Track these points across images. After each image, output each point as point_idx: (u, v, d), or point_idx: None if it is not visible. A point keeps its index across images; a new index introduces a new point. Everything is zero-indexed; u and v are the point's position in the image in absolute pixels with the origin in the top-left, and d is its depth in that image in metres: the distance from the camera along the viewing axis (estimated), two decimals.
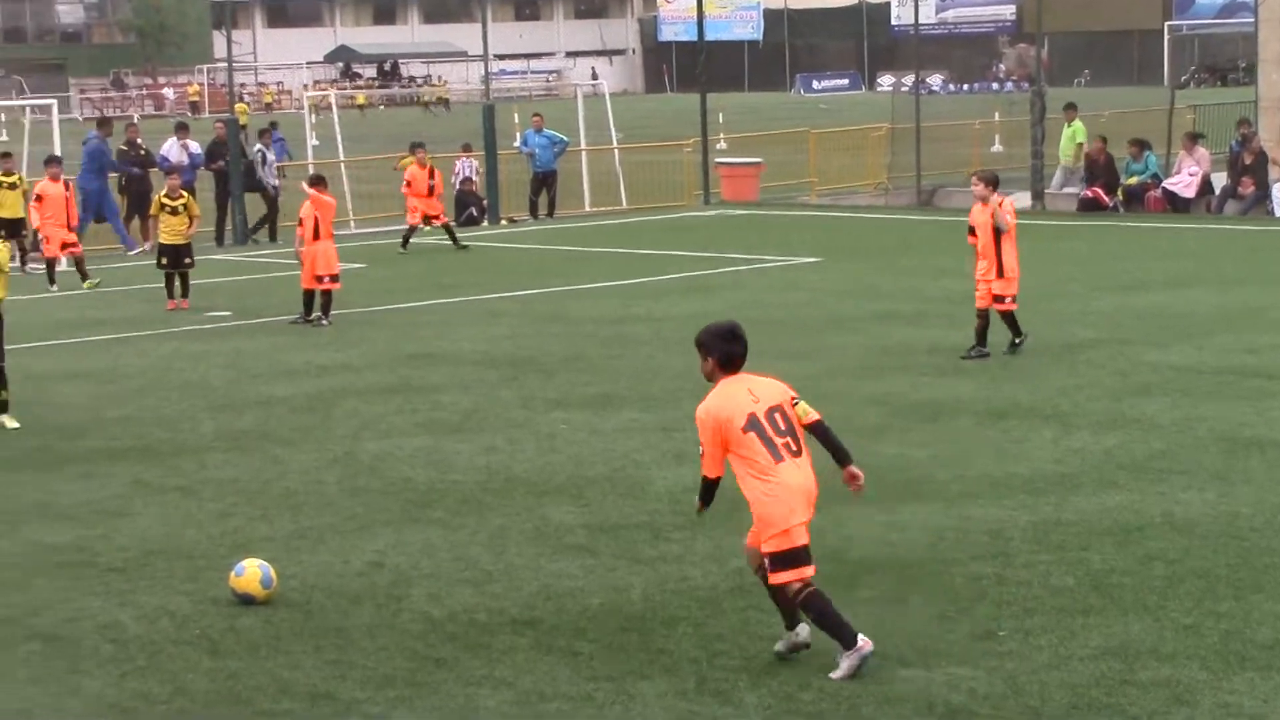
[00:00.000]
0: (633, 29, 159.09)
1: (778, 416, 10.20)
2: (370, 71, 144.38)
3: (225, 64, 44.22)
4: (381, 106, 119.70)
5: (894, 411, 17.54)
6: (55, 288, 29.27)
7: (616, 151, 45.03)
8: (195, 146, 37.31)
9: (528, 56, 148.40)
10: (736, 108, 78.17)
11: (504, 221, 39.86)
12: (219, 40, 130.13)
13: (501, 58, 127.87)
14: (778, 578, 10.15)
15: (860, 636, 10.06)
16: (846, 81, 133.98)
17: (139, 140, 37.26)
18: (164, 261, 26.75)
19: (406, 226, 34.21)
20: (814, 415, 10.35)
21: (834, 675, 10.01)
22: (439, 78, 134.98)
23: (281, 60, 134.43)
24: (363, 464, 15.81)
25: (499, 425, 17.36)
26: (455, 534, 13.40)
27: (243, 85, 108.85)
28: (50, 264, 29.84)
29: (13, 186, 31.01)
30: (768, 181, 44.33)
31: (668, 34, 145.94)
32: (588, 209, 42.51)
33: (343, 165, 42.08)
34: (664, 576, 12.18)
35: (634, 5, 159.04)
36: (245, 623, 11.40)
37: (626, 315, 24.76)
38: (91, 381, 20.53)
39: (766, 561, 10.19)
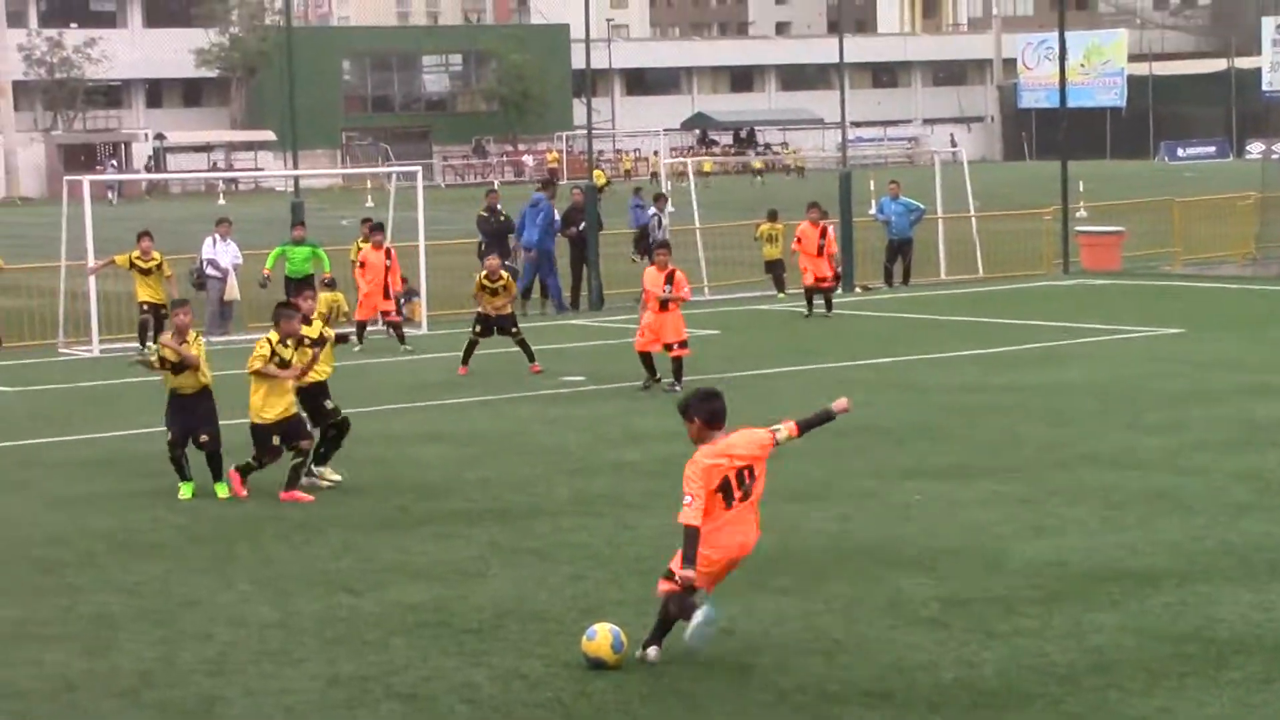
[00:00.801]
0: (992, 96, 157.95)
1: (745, 474, 11.84)
2: (726, 138, 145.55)
3: (584, 131, 44.86)
4: (753, 173, 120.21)
5: (1262, 488, 16.94)
6: (358, 348, 29.59)
7: (974, 219, 44.59)
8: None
9: (884, 124, 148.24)
10: (1097, 175, 76.99)
11: (858, 289, 39.70)
12: (579, 108, 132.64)
13: (858, 125, 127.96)
14: (663, 586, 11.75)
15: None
16: (1214, 149, 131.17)
17: (499, 206, 37.90)
18: (478, 330, 26.75)
19: (805, 288, 33.87)
20: (793, 429, 12.41)
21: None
22: (784, 145, 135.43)
23: (639, 127, 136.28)
24: None
25: (850, 494, 17.21)
26: (806, 603, 13.28)
27: (600, 152, 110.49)
28: (361, 326, 30.44)
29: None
30: (1129, 250, 43.46)
31: (1028, 101, 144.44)
32: (943, 277, 42.14)
33: (698, 231, 42.35)
34: (1019, 652, 11.90)
35: (994, 72, 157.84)
36: (596, 686, 11.42)
37: (983, 384, 24.42)
38: (449, 444, 20.87)
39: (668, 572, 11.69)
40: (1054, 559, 14.31)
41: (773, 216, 39.37)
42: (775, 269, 38.87)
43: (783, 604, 13.25)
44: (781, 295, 38.00)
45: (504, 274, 27.29)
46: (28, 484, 18.98)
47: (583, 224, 37.80)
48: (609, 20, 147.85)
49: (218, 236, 33.58)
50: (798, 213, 46.80)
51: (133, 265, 31.21)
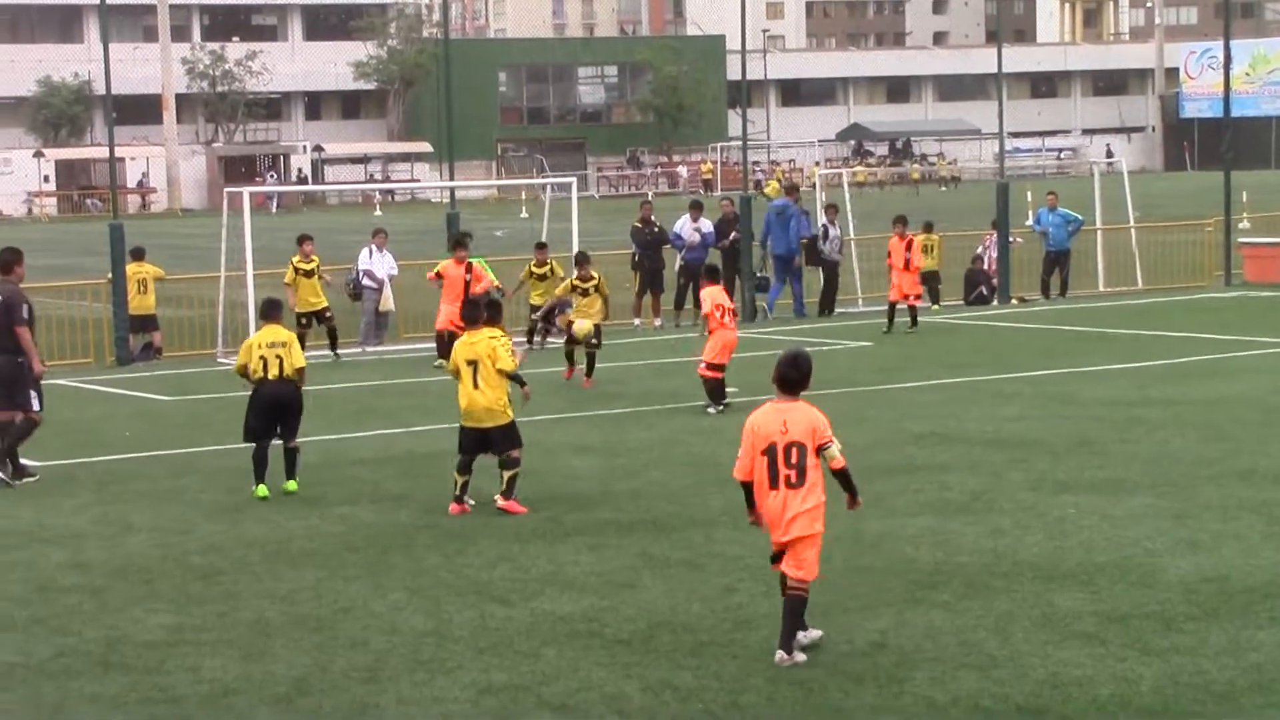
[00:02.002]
0: (1153, 105, 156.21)
1: (794, 451, 12.04)
2: (882, 149, 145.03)
3: (739, 142, 44.82)
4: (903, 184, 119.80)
5: None
6: (437, 363, 29.29)
7: (1133, 230, 44.11)
8: (708, 225, 37.81)
9: (1042, 134, 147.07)
10: (1262, 186, 75.87)
11: (1014, 301, 39.39)
12: (734, 119, 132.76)
13: (1016, 135, 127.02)
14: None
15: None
16: None
17: (652, 218, 37.90)
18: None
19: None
20: (840, 462, 12.18)
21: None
22: (939, 156, 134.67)
23: (794, 138, 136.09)
24: (866, 542, 15.69)
25: (1006, 508, 17.05)
26: (960, 617, 13.16)
27: (755, 163, 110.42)
28: (439, 337, 30.18)
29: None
30: None
31: (1190, 110, 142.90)
32: (1101, 289, 41.70)
33: (852, 243, 42.18)
34: (1176, 669, 11.73)
35: (1155, 82, 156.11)
36: (748, 699, 11.38)
37: (1141, 398, 24.11)
38: (601, 455, 20.90)
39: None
40: (1211, 575, 14.10)
41: (928, 228, 39.15)
42: (930, 280, 38.64)
43: (936, 618, 13.15)
44: (936, 307, 37.77)
45: (595, 274, 27.35)
46: (184, 492, 19.22)
47: (735, 235, 37.75)
48: (765, 31, 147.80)
49: (374, 247, 33.86)
50: (953, 224, 46.56)
51: (295, 270, 31.54)
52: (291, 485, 18.76)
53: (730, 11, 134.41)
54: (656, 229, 37.58)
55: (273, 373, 18.65)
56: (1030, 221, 46.77)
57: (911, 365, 28.30)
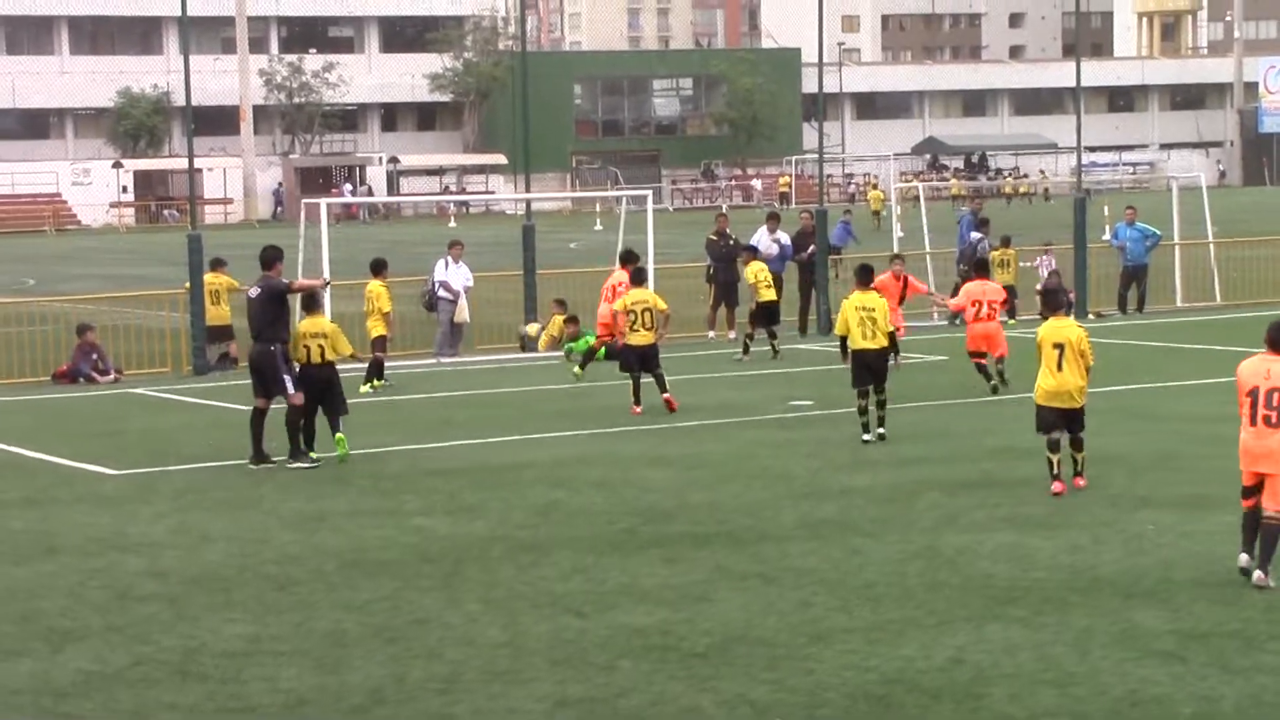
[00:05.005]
0: (1232, 120, 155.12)
1: (1275, 395, 14.16)
2: (958, 163, 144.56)
3: (815, 155, 44.73)
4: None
5: None
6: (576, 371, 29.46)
7: (1212, 246, 43.78)
8: (785, 237, 37.71)
9: (1119, 148, 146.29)
10: None
11: (1092, 316, 39.14)
12: (808, 132, 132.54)
13: (1093, 149, 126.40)
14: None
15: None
16: None
17: (728, 230, 37.83)
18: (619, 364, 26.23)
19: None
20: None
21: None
22: (1015, 170, 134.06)
23: (869, 151, 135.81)
24: (944, 557, 15.61)
25: (1085, 523, 16.93)
26: (1037, 633, 13.07)
27: (830, 176, 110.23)
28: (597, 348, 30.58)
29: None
30: None
31: (1269, 125, 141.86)
32: (1179, 304, 41.40)
33: (928, 257, 42.06)
34: (1259, 688, 11.61)
35: (1234, 96, 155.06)
36: (824, 714, 11.33)
37: (1221, 414, 23.82)
38: (676, 467, 20.86)
39: None
40: None
41: (1005, 242, 39.01)
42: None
43: (1014, 633, 13.06)
44: (1012, 321, 37.56)
45: (654, 299, 25.99)
46: (261, 501, 19.30)
47: (812, 248, 37.67)
48: (840, 44, 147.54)
49: (450, 259, 33.90)
50: (1031, 238, 46.34)
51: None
52: (340, 439, 21.34)
53: (806, 24, 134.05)
54: (732, 241, 37.48)
55: (315, 358, 21.43)
56: (1107, 236, 46.49)
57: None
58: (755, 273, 31.89)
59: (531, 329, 34.87)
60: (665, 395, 25.04)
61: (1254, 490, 14.35)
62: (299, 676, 12.47)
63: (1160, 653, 12.50)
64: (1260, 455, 14.21)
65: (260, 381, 21.58)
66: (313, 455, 21.31)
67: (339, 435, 21.36)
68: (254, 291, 21.96)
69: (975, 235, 38.62)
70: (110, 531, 17.82)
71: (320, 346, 21.45)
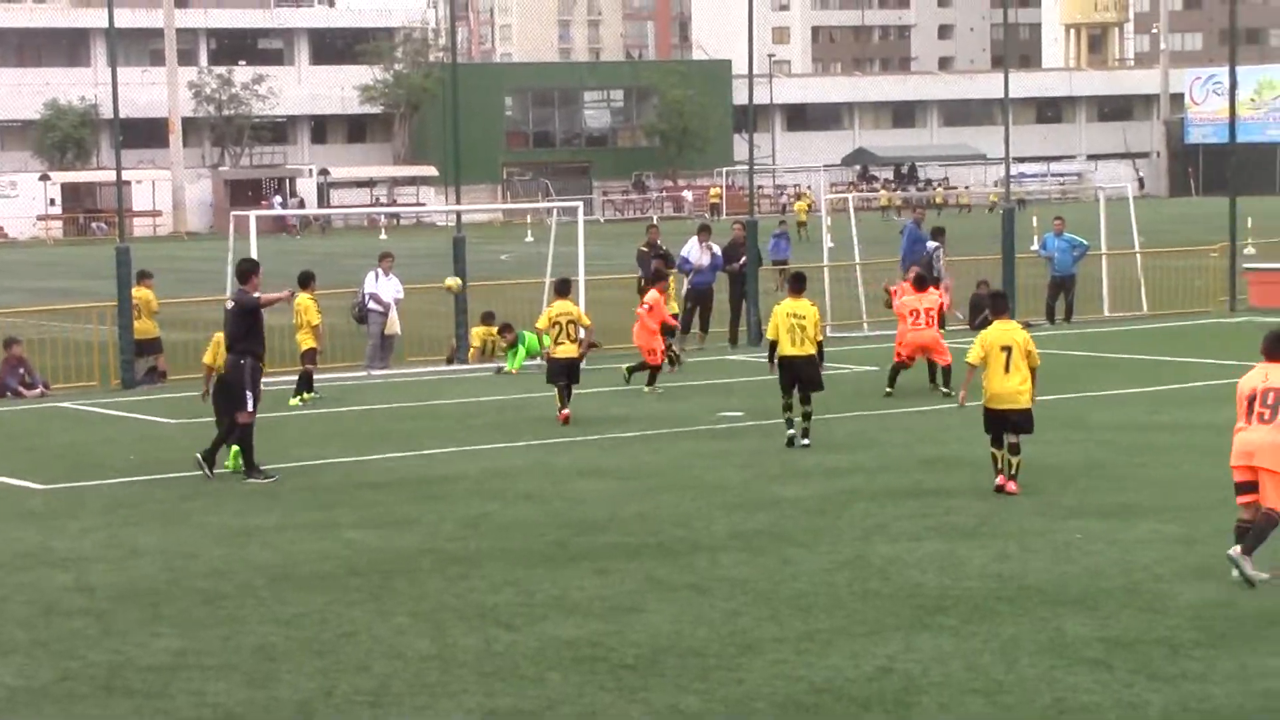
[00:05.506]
0: (1158, 131, 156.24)
1: (1270, 395, 14.77)
2: (888, 173, 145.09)
3: (745, 166, 44.79)
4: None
5: None
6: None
7: (1138, 256, 44.08)
8: (716, 249, 37.77)
9: (1047, 159, 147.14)
10: (1267, 211, 75.80)
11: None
12: (739, 143, 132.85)
13: (1021, 160, 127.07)
14: None
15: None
16: None
17: (659, 241, 37.83)
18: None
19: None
20: None
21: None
22: (944, 180, 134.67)
23: (800, 163, 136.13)
24: (874, 567, 15.65)
25: (1013, 532, 17.01)
26: (966, 642, 13.12)
27: (761, 187, 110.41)
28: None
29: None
30: None
31: (1195, 136, 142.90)
32: (1106, 314, 41.68)
33: (858, 268, 42.16)
34: (1185, 695, 11.68)
35: (1161, 108, 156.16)
36: None
37: (1149, 423, 24.08)
38: (608, 478, 20.86)
39: None
40: (1219, 600, 14.06)
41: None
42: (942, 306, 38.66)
43: (944, 642, 13.11)
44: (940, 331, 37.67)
45: (577, 312, 26.44)
46: (190, 515, 19.19)
47: (743, 259, 37.72)
48: (770, 56, 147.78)
49: (380, 271, 33.83)
50: (966, 248, 46.51)
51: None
52: (235, 452, 21.62)
53: (736, 36, 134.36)
54: (662, 252, 37.48)
55: (218, 364, 22.14)
56: (1036, 246, 46.73)
57: (920, 390, 28.23)
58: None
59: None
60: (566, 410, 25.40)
61: (1247, 488, 14.76)
62: (228, 691, 12.40)
63: (1088, 660, 12.56)
64: (1252, 448, 14.67)
65: (226, 397, 21.74)
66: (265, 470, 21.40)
67: (235, 448, 21.63)
68: (229, 304, 22.14)
69: (932, 244, 38.69)
70: (37, 546, 17.69)
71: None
